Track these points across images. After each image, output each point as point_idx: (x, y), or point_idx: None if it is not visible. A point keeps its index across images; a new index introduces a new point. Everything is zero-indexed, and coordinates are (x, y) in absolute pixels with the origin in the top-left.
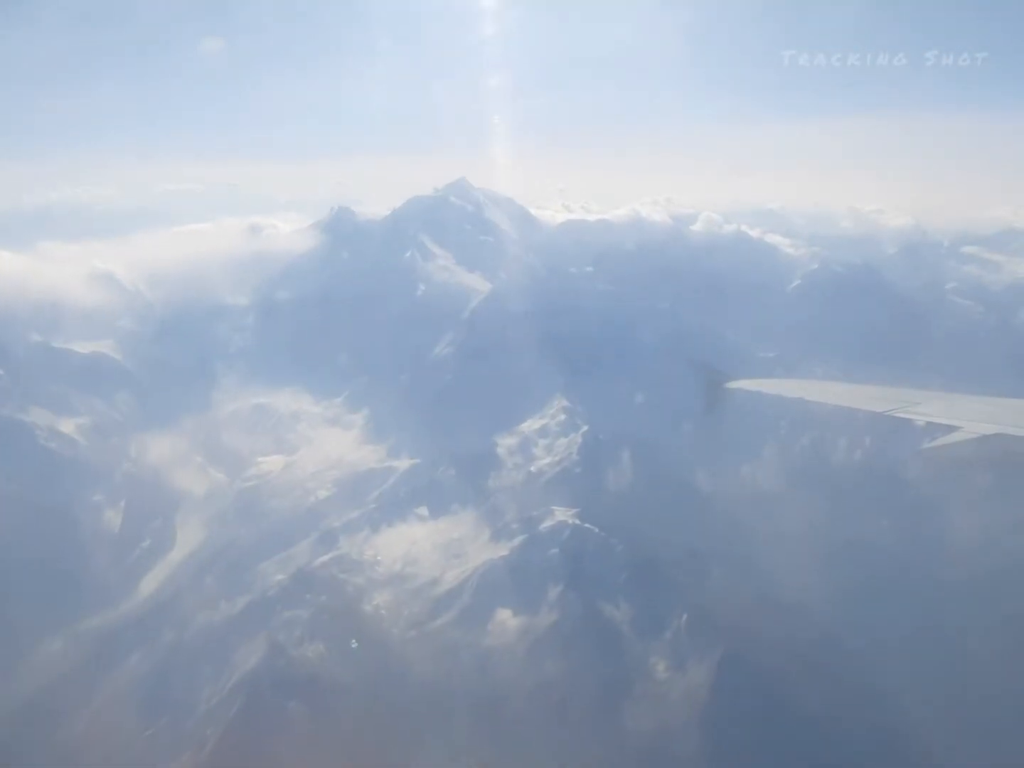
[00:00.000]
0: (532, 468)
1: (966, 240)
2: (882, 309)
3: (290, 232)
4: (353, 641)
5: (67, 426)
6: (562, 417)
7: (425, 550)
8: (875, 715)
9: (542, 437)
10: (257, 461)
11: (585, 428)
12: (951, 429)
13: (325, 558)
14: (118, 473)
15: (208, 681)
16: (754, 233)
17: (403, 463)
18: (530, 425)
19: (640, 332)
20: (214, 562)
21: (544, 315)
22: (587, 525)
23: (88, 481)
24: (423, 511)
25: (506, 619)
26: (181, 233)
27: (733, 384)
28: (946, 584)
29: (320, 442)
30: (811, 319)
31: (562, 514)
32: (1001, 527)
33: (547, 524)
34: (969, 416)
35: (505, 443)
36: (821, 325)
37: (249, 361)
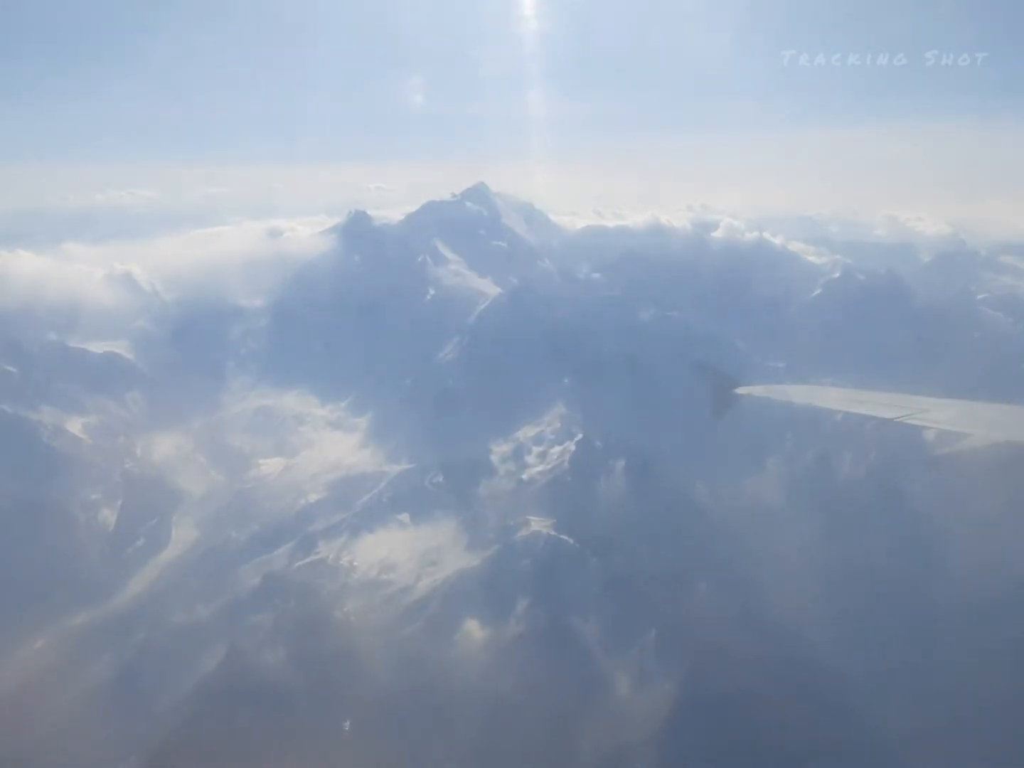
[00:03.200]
0: (524, 476)
1: (1005, 250)
2: (904, 319)
3: (308, 236)
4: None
5: (74, 425)
6: (558, 424)
7: (402, 557)
8: (850, 745)
9: (537, 444)
10: (258, 463)
11: (580, 436)
12: (962, 436)
13: (302, 563)
14: (118, 472)
15: (171, 684)
16: (777, 241)
17: (395, 468)
18: (526, 432)
19: (649, 340)
20: (202, 563)
21: (552, 321)
22: (563, 536)
23: (88, 479)
24: (405, 517)
25: (473, 630)
26: (202, 236)
27: (742, 390)
28: (945, 602)
29: (322, 445)
30: (829, 328)
31: (538, 524)
32: (1010, 538)
33: (522, 534)
34: (980, 423)
35: (500, 450)
36: (839, 335)
37: (260, 363)
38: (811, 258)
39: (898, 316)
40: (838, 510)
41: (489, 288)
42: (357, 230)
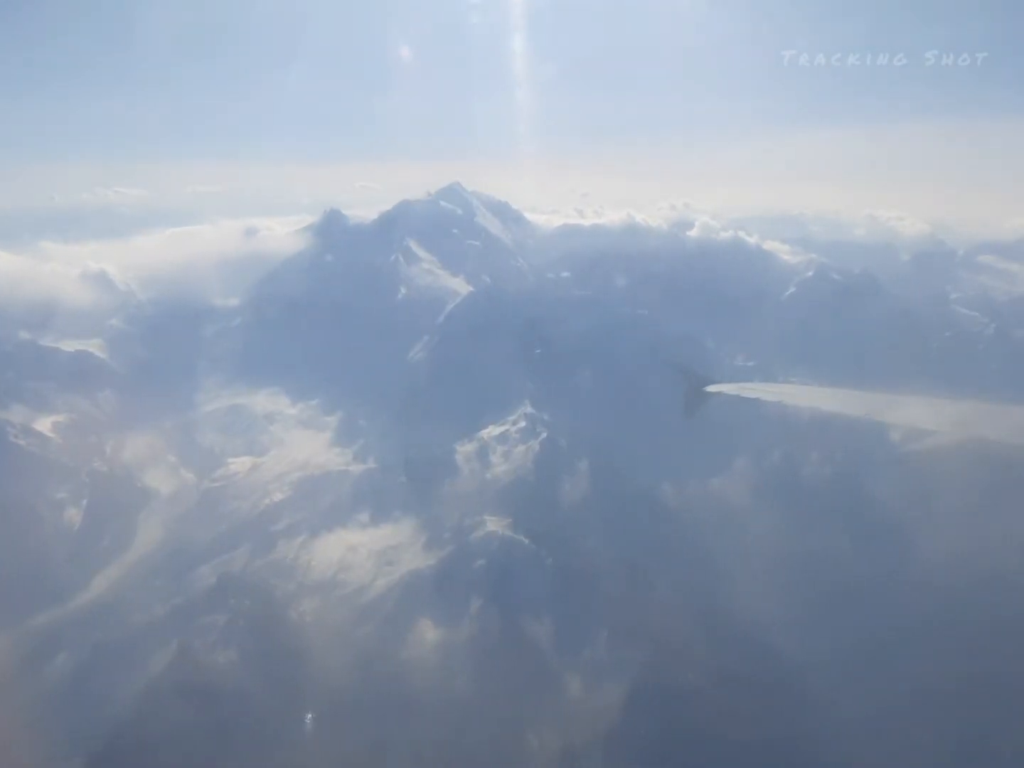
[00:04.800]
0: (487, 475)
1: (985, 249)
2: (877, 318)
3: (283, 235)
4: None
5: (43, 424)
6: (523, 424)
7: (360, 557)
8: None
9: (501, 444)
10: (227, 462)
11: (544, 435)
12: (928, 433)
13: (259, 562)
14: (85, 471)
15: (123, 684)
16: (752, 240)
17: (360, 467)
18: (491, 431)
19: (617, 339)
20: (165, 563)
21: (522, 320)
22: (518, 536)
23: (55, 478)
24: (365, 517)
25: (426, 630)
26: (179, 234)
27: (712, 388)
28: (908, 598)
29: (291, 444)
30: (801, 328)
31: (495, 524)
32: (974, 534)
33: (478, 534)
34: (947, 421)
35: (464, 449)
36: (811, 334)
37: (233, 362)
38: (786, 257)
39: (871, 316)
40: (803, 507)
41: (461, 287)
42: (331, 229)
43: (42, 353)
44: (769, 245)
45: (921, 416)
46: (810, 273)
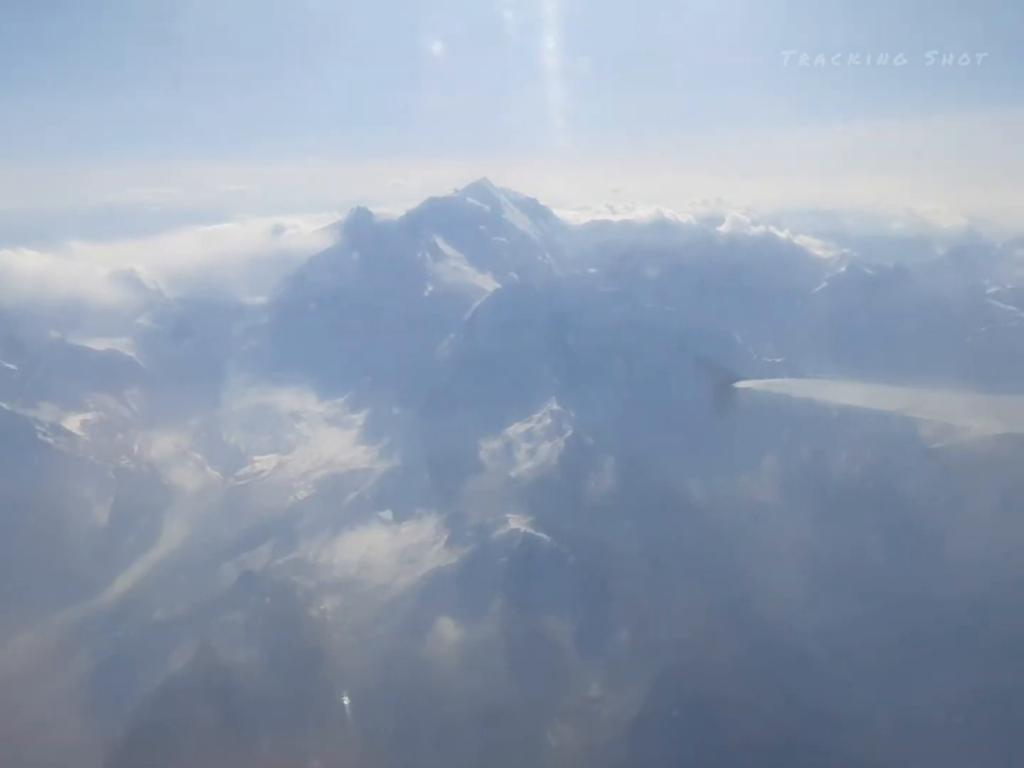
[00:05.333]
0: (512, 473)
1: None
2: (911, 313)
3: (310, 232)
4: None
5: (72, 422)
6: (549, 421)
7: (382, 555)
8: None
9: (527, 441)
10: (253, 460)
11: (570, 432)
12: (960, 429)
13: (281, 560)
14: (113, 469)
15: (143, 681)
16: (783, 235)
17: (382, 465)
18: (516, 429)
19: (645, 335)
20: (189, 560)
21: (549, 316)
22: (540, 534)
23: (82, 476)
24: (387, 515)
25: (446, 629)
26: (207, 233)
27: (741, 384)
28: (940, 598)
29: (317, 442)
30: (832, 323)
31: (517, 522)
32: (1006, 531)
33: (500, 532)
34: (979, 416)
35: (489, 446)
36: (842, 329)
37: (260, 360)
38: (818, 252)
39: (904, 310)
40: (832, 506)
41: (488, 284)
42: (358, 227)
43: (71, 352)
44: (801, 240)
45: (955, 412)
46: (842, 268)
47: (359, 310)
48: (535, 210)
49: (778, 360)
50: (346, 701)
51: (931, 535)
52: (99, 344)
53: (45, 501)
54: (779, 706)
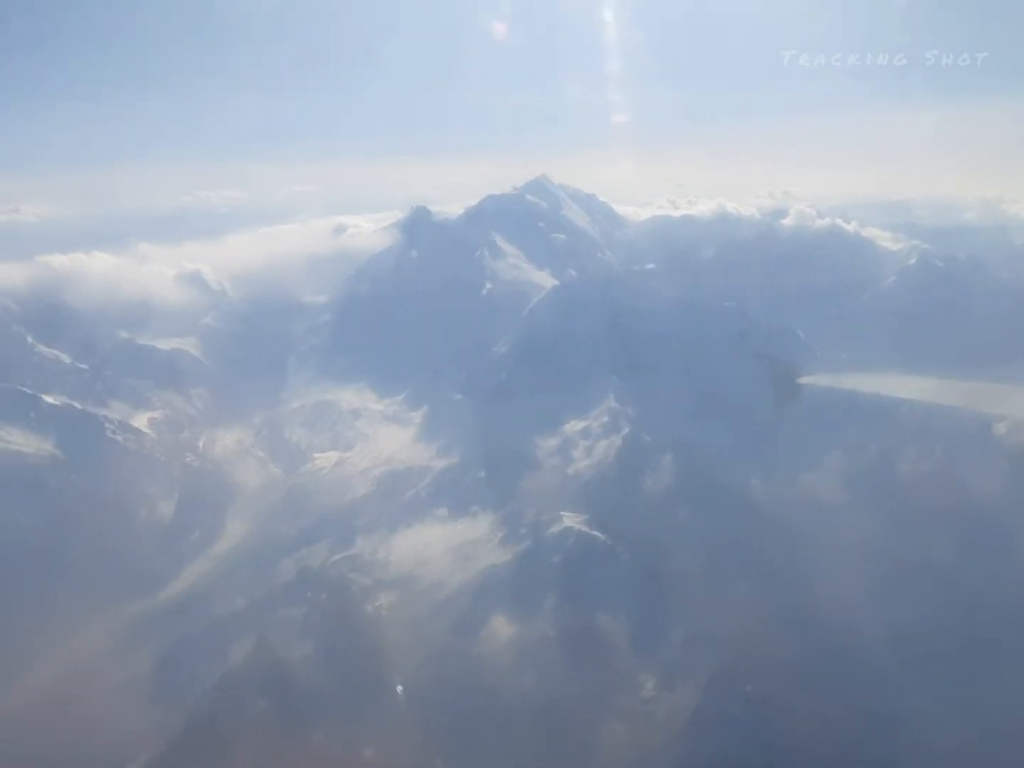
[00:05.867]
0: (569, 470)
1: None
2: (985, 306)
3: (371, 232)
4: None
5: (140, 420)
6: (606, 419)
7: (438, 552)
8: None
9: (583, 439)
10: (313, 457)
11: (627, 430)
12: None
13: (338, 557)
14: (178, 466)
15: (202, 675)
16: (850, 227)
17: (440, 463)
18: (573, 426)
19: (705, 332)
20: (250, 557)
21: (607, 313)
22: (594, 532)
23: (149, 473)
24: (443, 512)
25: (499, 627)
26: (270, 234)
27: (805, 379)
28: (1015, 607)
29: (376, 439)
30: (901, 318)
31: (571, 520)
32: None
33: (554, 530)
34: None
35: (546, 444)
36: (912, 324)
37: (321, 358)
38: (887, 244)
39: (978, 303)
40: (899, 505)
41: (547, 281)
42: (417, 225)
43: (139, 351)
44: (870, 232)
45: None
46: (912, 260)
47: (418, 308)
48: (594, 206)
49: (842, 356)
50: (399, 689)
51: (1004, 536)
52: (166, 344)
53: (113, 497)
54: (840, 711)
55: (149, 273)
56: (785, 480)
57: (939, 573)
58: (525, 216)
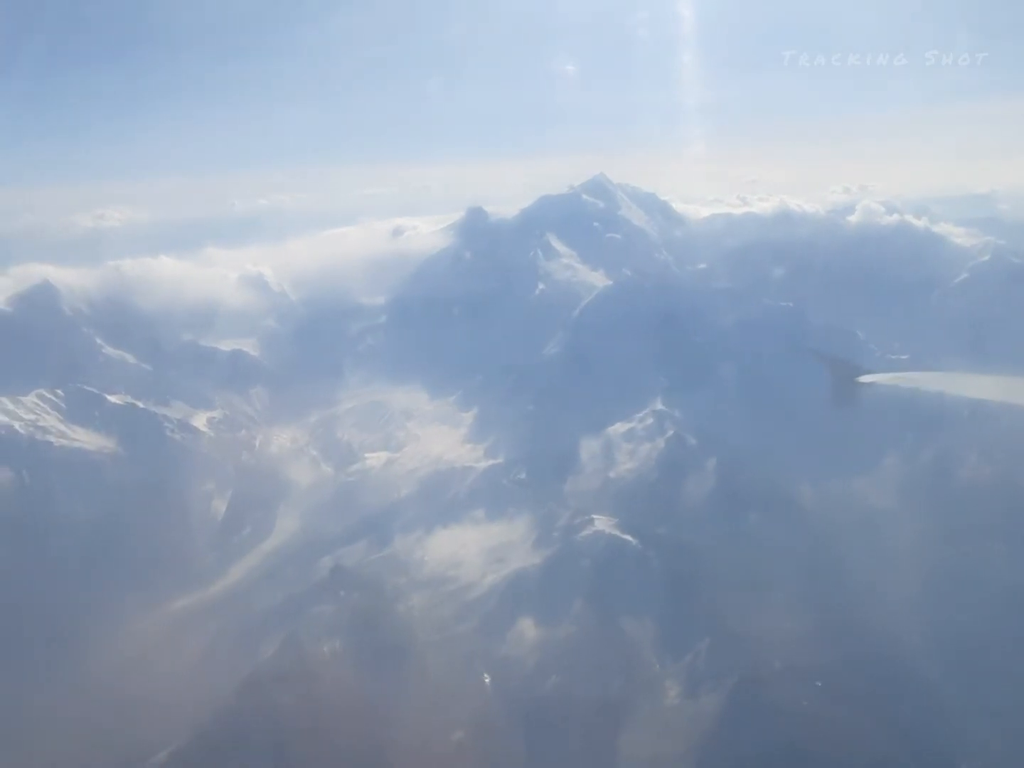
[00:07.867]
0: (611, 473)
1: None
2: None
3: (427, 234)
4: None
5: (199, 419)
6: (650, 421)
7: (472, 553)
8: None
9: (627, 441)
10: (364, 456)
11: (671, 433)
12: None
13: (375, 556)
14: (233, 464)
15: (237, 669)
16: (919, 223)
17: (485, 464)
18: (618, 428)
19: (760, 332)
20: (297, 553)
21: (659, 314)
22: (626, 536)
23: (205, 471)
24: (480, 514)
25: (526, 629)
26: (331, 236)
27: (865, 379)
28: None
29: (426, 440)
30: (972, 316)
31: (602, 523)
32: None
33: (585, 533)
34: None
35: (589, 446)
36: (983, 323)
37: (376, 359)
38: (960, 240)
39: None
40: (955, 512)
41: (600, 281)
42: (472, 227)
43: (201, 353)
44: (943, 228)
45: None
46: (986, 257)
47: (471, 309)
48: (654, 205)
49: (903, 357)
50: (421, 698)
51: None
52: (227, 345)
53: (170, 494)
54: (872, 722)
55: (213, 276)
56: (837, 485)
57: (994, 584)
58: (580, 216)
